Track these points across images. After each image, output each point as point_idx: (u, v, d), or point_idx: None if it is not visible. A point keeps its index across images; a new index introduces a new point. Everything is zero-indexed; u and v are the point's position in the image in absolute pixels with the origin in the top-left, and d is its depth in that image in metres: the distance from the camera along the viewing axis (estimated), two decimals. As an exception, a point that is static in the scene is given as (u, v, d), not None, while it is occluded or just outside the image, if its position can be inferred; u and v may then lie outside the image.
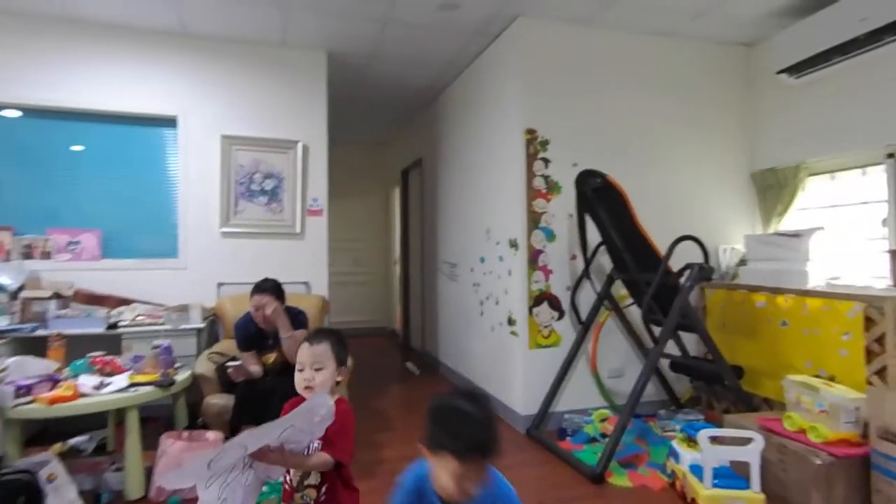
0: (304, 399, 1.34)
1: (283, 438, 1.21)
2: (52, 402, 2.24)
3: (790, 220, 3.50)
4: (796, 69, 3.27)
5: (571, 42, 3.45)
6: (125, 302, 3.30)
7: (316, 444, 1.33)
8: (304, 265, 3.82)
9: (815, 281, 2.97)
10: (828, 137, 3.27)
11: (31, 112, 3.38)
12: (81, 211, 3.45)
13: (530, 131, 3.35)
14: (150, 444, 2.50)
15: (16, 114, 3.37)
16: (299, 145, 3.80)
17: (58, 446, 2.72)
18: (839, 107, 3.20)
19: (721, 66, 3.78)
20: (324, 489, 1.37)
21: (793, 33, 3.23)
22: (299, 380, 1.41)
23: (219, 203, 3.63)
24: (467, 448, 1.06)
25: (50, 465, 2.19)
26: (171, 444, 2.46)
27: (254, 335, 2.75)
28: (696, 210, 3.68)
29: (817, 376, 2.54)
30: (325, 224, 3.90)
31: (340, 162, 5.51)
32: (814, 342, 2.74)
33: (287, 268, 3.68)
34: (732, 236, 3.75)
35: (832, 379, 2.50)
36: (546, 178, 3.38)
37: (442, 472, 1.08)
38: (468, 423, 1.08)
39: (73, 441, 2.86)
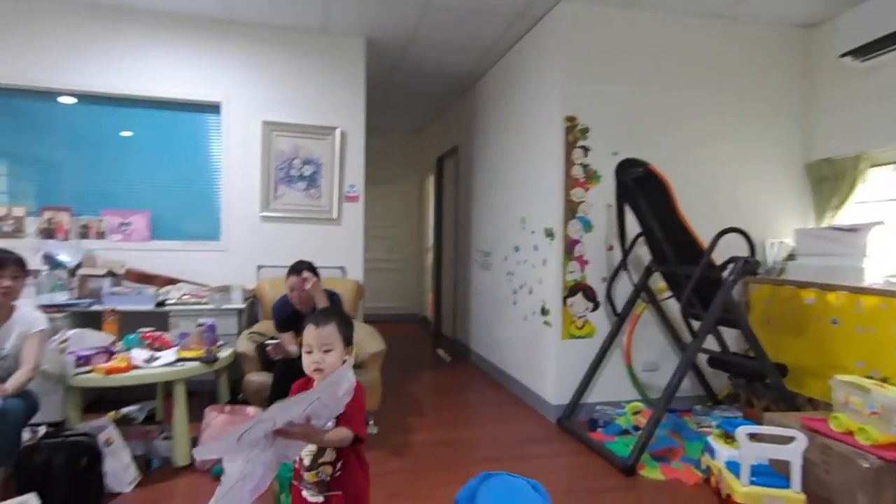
0: (311, 380, 1.37)
1: (308, 412, 1.22)
2: (109, 372, 2.39)
3: (847, 214, 3.32)
4: (862, 52, 3.07)
5: (615, 25, 3.35)
6: (172, 281, 3.45)
7: (330, 424, 1.33)
8: (340, 250, 3.89)
9: (872, 278, 2.82)
10: (893, 126, 3.07)
11: (85, 98, 3.54)
12: (132, 194, 3.62)
13: (570, 118, 3.29)
14: (195, 416, 2.63)
15: (71, 101, 3.55)
16: (337, 132, 3.85)
17: (112, 414, 2.90)
18: (905, 93, 2.99)
19: (776, 49, 3.59)
20: (339, 465, 1.36)
21: (860, 13, 3.04)
22: (308, 362, 1.38)
23: (259, 188, 3.73)
24: None
25: (107, 430, 2.35)
26: (214, 417, 2.58)
27: (291, 316, 2.83)
28: (744, 202, 3.53)
29: (869, 377, 2.41)
30: (361, 210, 3.96)
31: (377, 149, 5.55)
32: (867, 342, 2.61)
33: (324, 252, 3.76)
34: (781, 230, 3.58)
35: (885, 380, 2.38)
36: (585, 166, 3.31)
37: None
38: None
39: (125, 410, 3.05)
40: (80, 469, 2.08)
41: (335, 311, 1.51)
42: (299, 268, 2.76)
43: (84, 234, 3.48)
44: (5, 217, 3.35)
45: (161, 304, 3.24)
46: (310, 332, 1.38)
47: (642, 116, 3.39)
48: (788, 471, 2.09)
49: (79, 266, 3.26)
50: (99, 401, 3.23)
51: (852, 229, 2.94)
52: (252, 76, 3.74)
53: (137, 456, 2.49)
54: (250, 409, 2.72)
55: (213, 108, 3.71)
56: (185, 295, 3.32)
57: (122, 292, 3.25)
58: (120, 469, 2.31)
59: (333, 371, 1.30)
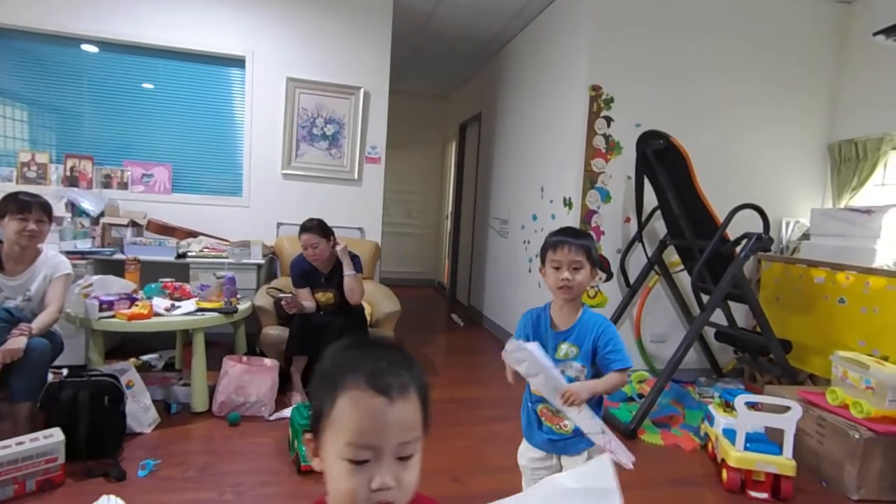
0: None
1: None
2: (131, 318, 2.46)
3: (865, 196, 3.30)
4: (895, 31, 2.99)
5: (645, -8, 3.27)
6: (192, 234, 3.52)
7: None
8: (360, 211, 3.93)
9: (883, 260, 2.83)
10: (919, 108, 3.02)
11: (108, 47, 3.54)
12: (154, 146, 3.65)
13: (595, 88, 3.25)
14: (212, 365, 2.71)
15: (93, 49, 3.55)
16: (361, 91, 3.83)
17: (133, 360, 3.00)
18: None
19: (811, 20, 3.50)
20: None
21: (896, -10, 2.95)
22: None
23: (282, 145, 3.75)
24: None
25: (129, 373, 2.44)
26: (232, 366, 2.67)
27: (308, 272, 2.90)
28: (762, 179, 3.52)
29: (870, 355, 2.47)
30: (382, 172, 3.98)
31: (400, 112, 5.52)
32: (871, 321, 2.65)
33: (343, 213, 3.80)
34: (798, 209, 3.57)
35: (885, 359, 2.43)
36: (607, 137, 3.29)
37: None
38: None
39: (145, 357, 3.16)
40: (103, 407, 2.16)
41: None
42: (309, 226, 2.80)
43: (107, 183, 3.54)
44: (29, 163, 3.40)
45: (182, 255, 3.31)
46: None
47: (668, 87, 3.36)
48: (783, 439, 2.17)
49: (101, 215, 3.33)
50: (119, 348, 3.35)
51: (868, 211, 2.93)
52: (278, 31, 3.71)
53: (157, 400, 2.58)
54: (267, 361, 2.81)
55: (238, 61, 3.69)
56: (205, 248, 3.39)
57: (143, 242, 3.32)
58: (140, 411, 2.40)
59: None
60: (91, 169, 3.48)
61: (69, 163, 3.45)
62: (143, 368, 3.02)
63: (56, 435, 1.95)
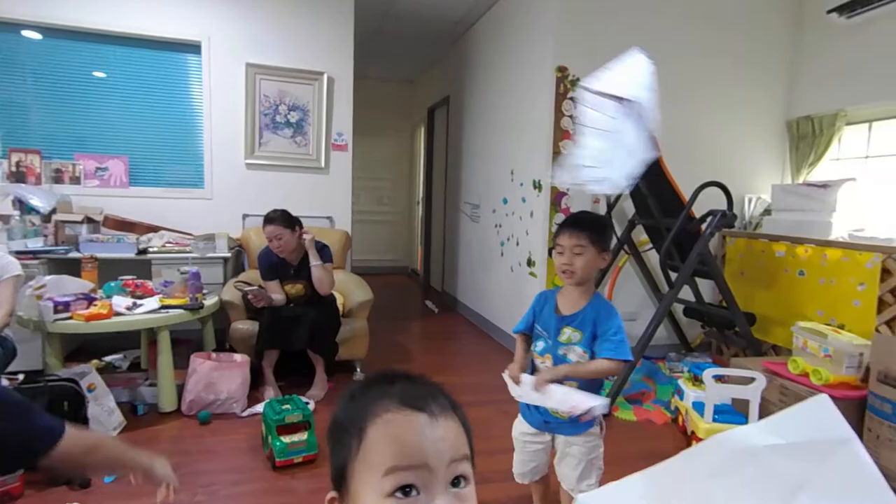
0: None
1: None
2: (89, 318, 2.36)
3: (821, 171, 3.41)
4: (848, 8, 3.08)
5: (608, -28, 3.26)
6: (153, 229, 3.38)
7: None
8: (328, 200, 3.85)
9: (839, 232, 2.94)
10: (870, 83, 3.12)
11: (52, 33, 3.33)
12: (108, 137, 3.47)
13: (561, 69, 3.24)
14: (180, 363, 2.64)
15: (37, 36, 3.33)
16: (325, 77, 3.73)
17: (95, 362, 2.88)
18: (886, 52, 3.03)
19: (767, 1, 3.56)
20: None
21: (849, -32, 3.02)
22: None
23: (244, 134, 3.62)
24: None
25: (89, 376, 2.34)
26: (200, 364, 2.60)
27: (276, 265, 2.83)
28: (725, 157, 3.59)
29: (828, 324, 2.57)
30: (350, 160, 3.90)
31: (366, 98, 5.41)
32: (829, 292, 2.76)
33: (311, 202, 3.72)
34: (760, 186, 3.67)
35: (842, 327, 2.54)
36: (574, 118, 3.30)
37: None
38: None
39: (108, 358, 3.05)
40: (62, 412, 2.07)
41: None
42: (272, 217, 2.73)
43: (58, 178, 3.35)
44: (-30, 159, 3.20)
45: (143, 251, 3.19)
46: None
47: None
48: (748, 409, 2.24)
49: (53, 212, 3.17)
50: (80, 350, 3.22)
51: (823, 185, 3.03)
52: (235, 14, 3.55)
53: (122, 403, 2.51)
54: (237, 357, 2.75)
55: (194, 47, 3.53)
56: (167, 243, 3.27)
57: (100, 239, 3.18)
58: (104, 414, 2.31)
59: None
60: (39, 163, 3.30)
61: (14, 157, 3.26)
62: (107, 370, 2.92)
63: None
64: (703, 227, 2.81)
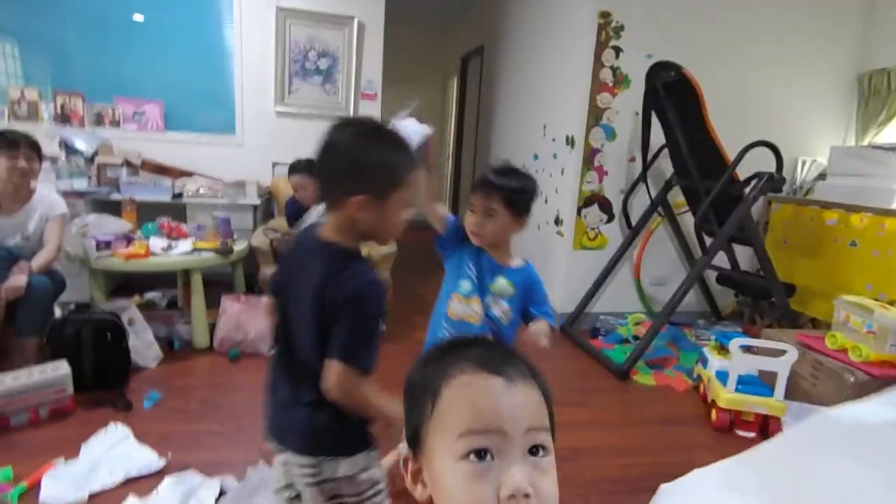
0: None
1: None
2: (128, 257, 2.49)
3: (891, 133, 3.11)
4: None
5: None
6: (187, 174, 3.48)
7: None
8: (357, 150, 3.82)
9: (903, 201, 2.71)
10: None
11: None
12: (144, 82, 3.53)
13: (605, 14, 3.02)
14: (213, 303, 2.76)
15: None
16: (355, 22, 3.63)
17: (136, 298, 3.06)
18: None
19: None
20: None
21: None
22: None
23: (274, 81, 3.61)
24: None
25: (130, 311, 2.49)
26: (230, 305, 2.71)
27: (301, 212, 2.86)
28: (780, 116, 3.32)
29: (876, 300, 2.41)
30: (379, 109, 3.83)
31: (397, 45, 5.22)
32: (882, 265, 2.57)
33: (338, 152, 3.70)
34: (816, 147, 3.40)
35: (892, 303, 2.38)
36: (615, 69, 3.10)
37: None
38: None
39: (148, 295, 3.22)
40: (106, 342, 2.23)
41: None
42: (297, 167, 2.74)
43: (99, 121, 3.46)
44: (19, 100, 3.33)
45: (178, 196, 3.29)
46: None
47: (685, 15, 3.11)
48: (775, 382, 2.16)
49: (95, 154, 3.29)
50: (123, 287, 3.41)
51: (893, 148, 2.77)
52: (264, -46, 3.46)
53: (160, 338, 2.64)
54: (264, 299, 2.84)
55: (227, -10, 3.48)
56: (201, 188, 3.36)
57: (139, 182, 3.30)
58: (143, 346, 2.47)
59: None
60: (82, 106, 3.40)
61: (59, 100, 3.37)
62: (148, 306, 3.08)
63: (62, 366, 2.04)
64: (747, 190, 2.64)
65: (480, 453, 0.46)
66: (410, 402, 0.54)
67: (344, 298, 0.91)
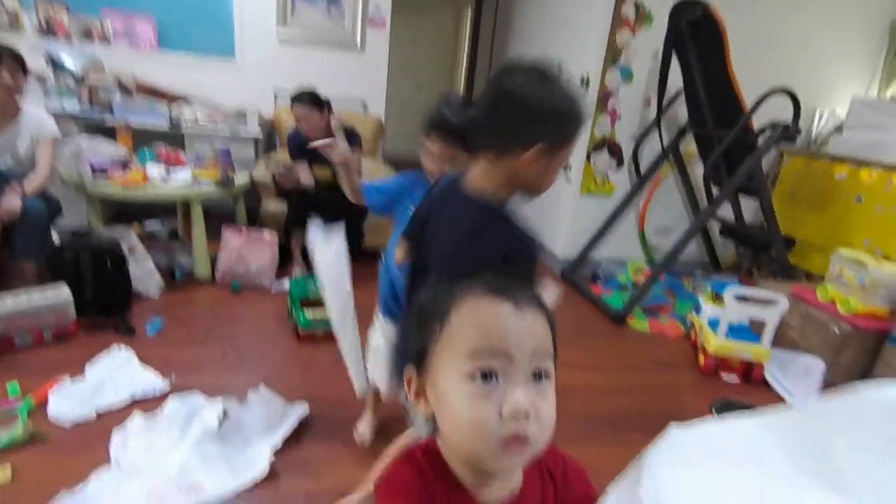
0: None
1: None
2: (126, 184, 2.42)
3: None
4: None
5: None
6: (183, 99, 3.33)
7: None
8: (362, 82, 3.66)
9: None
10: None
11: None
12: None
13: (632, -61, 2.80)
14: (214, 235, 2.73)
15: None
16: (360, -63, 3.36)
17: (136, 226, 3.02)
18: None
19: None
20: None
21: None
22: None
23: (275, 1, 3.38)
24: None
25: (129, 239, 2.46)
26: (231, 237, 2.69)
27: (304, 145, 2.77)
28: (804, 62, 3.18)
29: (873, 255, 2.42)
30: (387, 39, 3.63)
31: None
32: (883, 221, 2.57)
33: (344, 83, 3.55)
34: (836, 98, 3.28)
35: (887, 258, 2.39)
36: (638, 6, 2.92)
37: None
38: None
39: (148, 225, 3.17)
40: (105, 268, 2.21)
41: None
42: (300, 97, 2.61)
43: (87, 35, 3.26)
44: (-1, 9, 3.11)
45: (176, 125, 3.17)
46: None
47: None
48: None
49: (85, 73, 3.13)
50: (121, 215, 3.36)
51: (914, 103, 2.68)
52: None
53: (161, 267, 2.63)
54: (266, 234, 2.82)
55: None
56: (199, 117, 3.23)
57: (134, 106, 3.16)
58: (144, 275, 2.46)
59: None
60: (66, 18, 3.19)
61: (41, 9, 3.15)
62: (148, 236, 3.04)
63: (63, 290, 2.03)
64: (761, 140, 2.57)
65: (486, 375, 0.48)
66: (419, 324, 0.56)
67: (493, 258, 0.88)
